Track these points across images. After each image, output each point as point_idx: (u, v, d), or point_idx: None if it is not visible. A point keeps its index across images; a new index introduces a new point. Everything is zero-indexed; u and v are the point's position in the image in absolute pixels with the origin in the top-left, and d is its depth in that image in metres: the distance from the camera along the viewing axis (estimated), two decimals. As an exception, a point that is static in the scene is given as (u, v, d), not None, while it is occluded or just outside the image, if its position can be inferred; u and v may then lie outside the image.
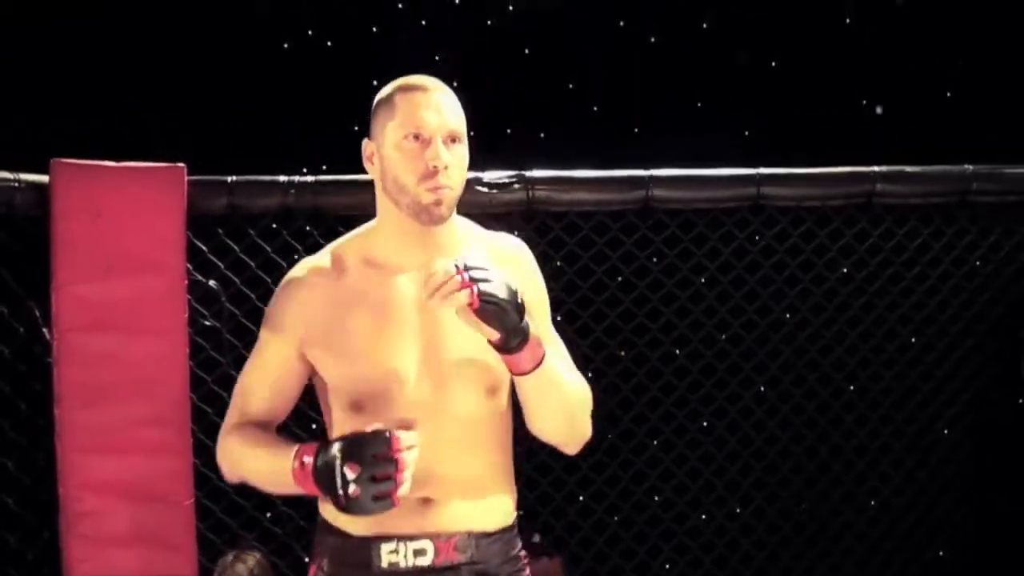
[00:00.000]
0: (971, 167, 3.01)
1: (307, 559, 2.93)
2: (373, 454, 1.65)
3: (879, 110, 4.88)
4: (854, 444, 3.34)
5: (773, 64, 5.05)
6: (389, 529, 1.82)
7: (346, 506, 1.67)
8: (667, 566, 3.27)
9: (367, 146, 1.89)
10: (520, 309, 1.71)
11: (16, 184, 2.53)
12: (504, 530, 1.91)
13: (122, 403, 2.50)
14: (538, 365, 1.77)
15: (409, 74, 1.89)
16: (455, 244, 1.89)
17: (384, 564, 1.82)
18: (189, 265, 2.61)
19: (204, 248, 2.72)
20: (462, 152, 1.85)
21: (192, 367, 2.61)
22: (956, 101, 4.97)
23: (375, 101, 1.89)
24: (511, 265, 1.89)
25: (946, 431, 3.33)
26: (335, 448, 1.68)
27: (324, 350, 1.87)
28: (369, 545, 1.83)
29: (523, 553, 1.97)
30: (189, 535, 2.55)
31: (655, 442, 3.21)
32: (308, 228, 2.81)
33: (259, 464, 1.86)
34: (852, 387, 3.33)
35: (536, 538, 3.17)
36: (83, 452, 2.49)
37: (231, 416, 1.96)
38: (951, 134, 4.31)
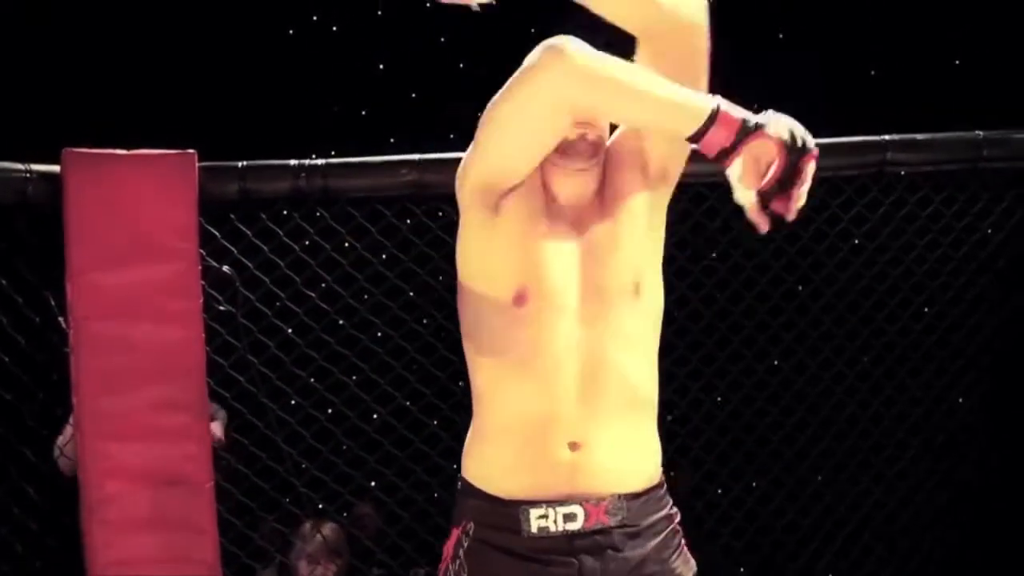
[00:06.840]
0: (982, 133, 2.99)
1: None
2: None
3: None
4: (870, 413, 3.34)
5: (780, 36, 5.04)
6: (538, 494, 1.78)
7: None
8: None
9: None
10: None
11: (28, 175, 2.54)
12: (651, 489, 1.85)
13: (140, 389, 2.51)
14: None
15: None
16: None
17: (534, 529, 1.78)
18: (202, 251, 2.62)
19: (217, 234, 2.73)
20: None
21: (208, 352, 2.62)
22: (963, 68, 4.94)
23: None
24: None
25: (960, 400, 3.32)
26: None
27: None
28: (518, 509, 1.78)
29: (674, 511, 1.91)
30: (210, 518, 2.56)
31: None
32: (319, 212, 2.83)
33: None
34: (866, 358, 3.33)
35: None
36: (103, 439, 2.50)
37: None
38: (959, 101, 4.29)
